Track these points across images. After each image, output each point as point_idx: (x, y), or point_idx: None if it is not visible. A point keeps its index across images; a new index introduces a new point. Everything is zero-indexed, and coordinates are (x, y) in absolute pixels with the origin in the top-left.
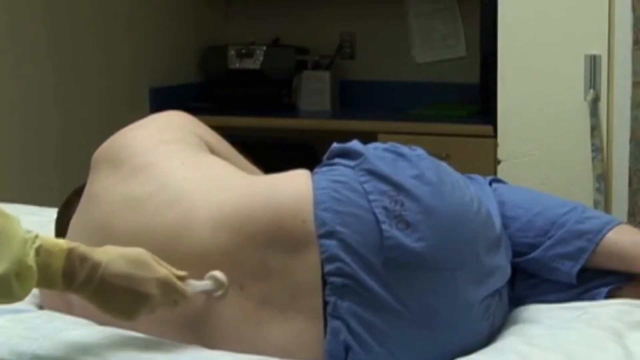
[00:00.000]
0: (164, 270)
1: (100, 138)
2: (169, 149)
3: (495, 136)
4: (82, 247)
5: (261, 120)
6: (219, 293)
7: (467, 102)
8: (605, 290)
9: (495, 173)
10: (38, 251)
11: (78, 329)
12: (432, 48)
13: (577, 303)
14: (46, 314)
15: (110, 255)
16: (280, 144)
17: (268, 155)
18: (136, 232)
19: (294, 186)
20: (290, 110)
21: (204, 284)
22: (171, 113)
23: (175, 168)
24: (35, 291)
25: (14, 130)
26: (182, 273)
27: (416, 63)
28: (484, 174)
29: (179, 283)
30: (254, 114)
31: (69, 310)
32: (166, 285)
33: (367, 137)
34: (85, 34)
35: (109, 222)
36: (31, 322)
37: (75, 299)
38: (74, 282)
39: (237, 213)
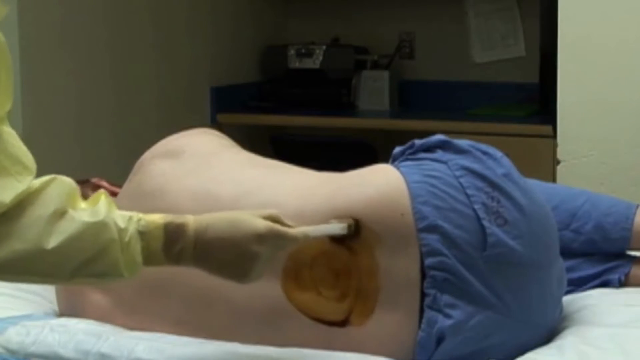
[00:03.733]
0: (263, 222)
1: (161, 138)
2: (233, 150)
3: (554, 136)
4: (178, 219)
5: (320, 120)
6: (341, 232)
7: (525, 102)
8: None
9: (554, 173)
10: (139, 232)
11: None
12: (491, 48)
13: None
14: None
15: (206, 221)
16: (339, 143)
17: (327, 154)
18: None
19: (386, 179)
20: (349, 109)
21: (330, 227)
22: (207, 129)
23: (245, 164)
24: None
25: (72, 130)
26: (290, 223)
27: (475, 63)
28: (543, 174)
29: (283, 229)
30: (313, 113)
31: (82, 312)
32: (270, 237)
33: (426, 137)
34: (145, 33)
35: (177, 213)
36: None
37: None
38: (174, 254)
39: (328, 204)
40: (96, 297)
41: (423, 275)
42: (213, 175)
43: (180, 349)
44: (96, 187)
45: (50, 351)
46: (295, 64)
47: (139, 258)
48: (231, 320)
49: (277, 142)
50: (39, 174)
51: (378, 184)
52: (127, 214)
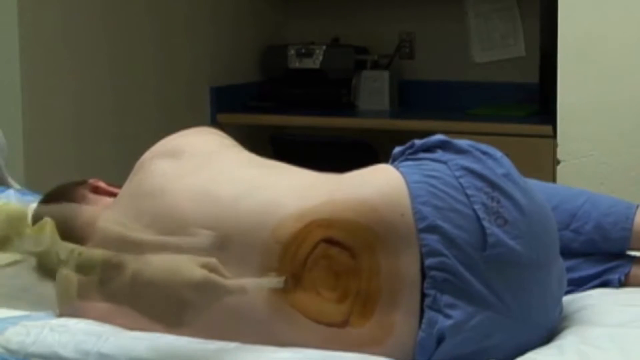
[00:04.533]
0: (200, 271)
1: (161, 138)
2: (233, 149)
3: (554, 136)
4: (116, 257)
5: (320, 120)
6: (277, 286)
7: (525, 102)
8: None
9: (554, 173)
10: (77, 265)
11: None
12: (491, 48)
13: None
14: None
15: (144, 264)
16: (339, 143)
17: (327, 154)
18: (211, 219)
19: (386, 180)
20: (349, 109)
21: (261, 280)
22: (208, 128)
23: (245, 164)
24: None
25: (71, 131)
26: (226, 274)
27: (475, 63)
28: (543, 174)
29: (219, 279)
30: (313, 113)
31: (82, 313)
32: (205, 287)
33: (426, 137)
34: (145, 34)
35: (177, 213)
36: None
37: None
38: (109, 292)
39: (327, 204)
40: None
41: (423, 276)
42: (213, 175)
43: (180, 349)
44: (94, 188)
45: (50, 351)
46: (295, 64)
47: (73, 292)
48: (231, 321)
49: (277, 142)
50: (39, 173)
51: (378, 184)
52: (70, 246)
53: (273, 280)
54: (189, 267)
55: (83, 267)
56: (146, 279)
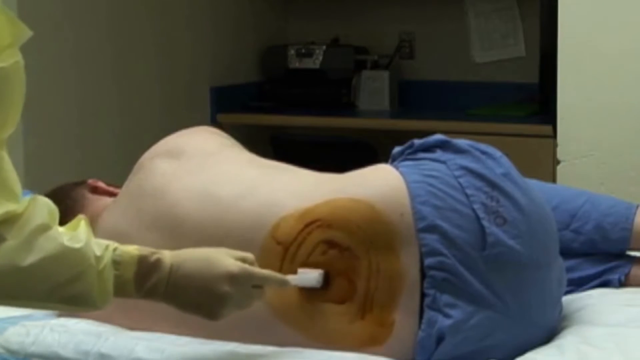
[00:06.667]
0: (236, 263)
1: (161, 138)
2: (233, 149)
3: (554, 136)
4: (154, 254)
5: (320, 120)
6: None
7: (525, 102)
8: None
9: (554, 173)
10: (114, 261)
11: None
12: (491, 48)
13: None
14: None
15: (180, 258)
16: (339, 143)
17: (327, 154)
18: (212, 219)
19: (386, 180)
20: (349, 109)
21: (306, 277)
22: (208, 128)
23: (245, 164)
24: None
25: (72, 131)
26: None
27: (475, 63)
28: (543, 174)
29: (258, 270)
30: (313, 113)
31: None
32: (242, 278)
33: (426, 137)
34: (146, 34)
35: (177, 213)
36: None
37: None
38: (145, 288)
39: (327, 204)
40: None
41: (423, 275)
42: (213, 175)
43: (180, 349)
44: (93, 188)
45: (50, 351)
46: (295, 64)
47: (110, 287)
48: (231, 321)
49: (277, 142)
50: (41, 174)
51: (378, 184)
52: (104, 242)
53: (311, 277)
54: (225, 259)
55: (118, 263)
56: (183, 274)
